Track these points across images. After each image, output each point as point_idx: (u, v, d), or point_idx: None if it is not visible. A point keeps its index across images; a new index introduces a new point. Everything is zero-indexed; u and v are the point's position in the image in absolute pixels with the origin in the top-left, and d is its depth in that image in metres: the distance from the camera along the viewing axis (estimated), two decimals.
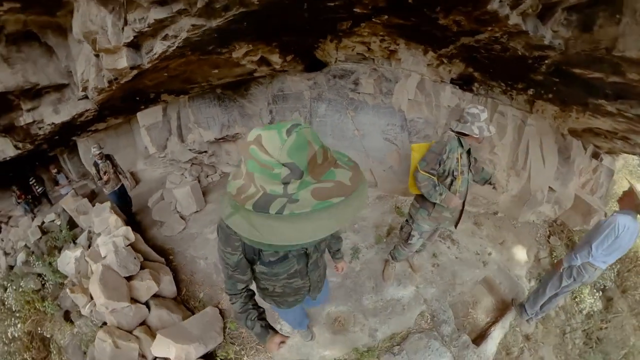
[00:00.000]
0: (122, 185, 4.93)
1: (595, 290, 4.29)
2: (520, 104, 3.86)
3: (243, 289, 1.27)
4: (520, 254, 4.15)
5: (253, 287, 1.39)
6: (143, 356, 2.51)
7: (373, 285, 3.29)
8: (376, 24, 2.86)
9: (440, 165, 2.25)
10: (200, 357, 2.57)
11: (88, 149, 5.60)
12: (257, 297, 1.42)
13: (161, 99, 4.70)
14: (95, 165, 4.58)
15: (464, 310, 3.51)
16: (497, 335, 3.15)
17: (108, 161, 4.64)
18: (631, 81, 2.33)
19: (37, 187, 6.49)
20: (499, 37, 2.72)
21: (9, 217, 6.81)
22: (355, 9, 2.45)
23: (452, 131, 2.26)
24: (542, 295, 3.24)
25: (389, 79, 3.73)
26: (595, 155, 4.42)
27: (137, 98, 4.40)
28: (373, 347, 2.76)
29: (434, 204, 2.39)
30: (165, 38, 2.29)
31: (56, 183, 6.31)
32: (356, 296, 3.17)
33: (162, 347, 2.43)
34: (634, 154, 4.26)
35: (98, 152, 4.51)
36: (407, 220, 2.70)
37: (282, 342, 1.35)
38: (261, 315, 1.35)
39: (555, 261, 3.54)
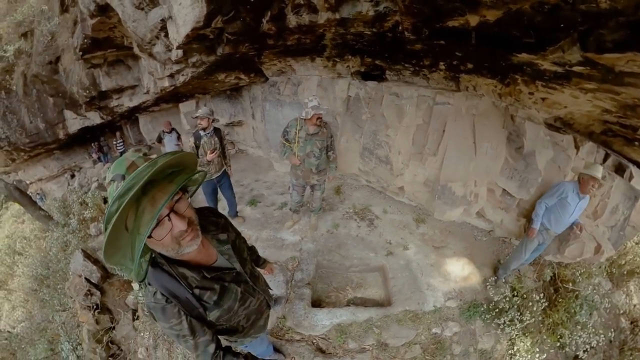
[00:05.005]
0: (226, 174, 3.89)
1: (548, 350, 3.09)
2: (441, 82, 3.46)
3: (216, 349, 1.16)
4: (455, 266, 3.48)
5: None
6: None
7: (276, 227, 4.14)
8: (269, 54, 4.28)
9: (286, 135, 3.27)
10: None
11: (146, 123, 7.78)
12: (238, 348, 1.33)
13: (194, 96, 6.96)
14: (197, 137, 3.40)
15: (342, 284, 3.45)
16: (339, 315, 2.98)
17: (216, 138, 3.55)
18: (497, 6, 1.74)
19: (118, 146, 8.93)
20: (338, 30, 2.89)
21: (80, 168, 9.70)
22: (250, 53, 3.92)
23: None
24: (515, 261, 3.16)
25: (295, 84, 5.08)
26: (620, 170, 3.01)
27: (179, 95, 6.64)
28: None
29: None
30: (183, 75, 4.52)
31: (159, 140, 6.55)
32: (260, 227, 4.21)
33: None
34: None
35: (205, 116, 3.34)
36: None
37: None
38: (250, 355, 1.33)
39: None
